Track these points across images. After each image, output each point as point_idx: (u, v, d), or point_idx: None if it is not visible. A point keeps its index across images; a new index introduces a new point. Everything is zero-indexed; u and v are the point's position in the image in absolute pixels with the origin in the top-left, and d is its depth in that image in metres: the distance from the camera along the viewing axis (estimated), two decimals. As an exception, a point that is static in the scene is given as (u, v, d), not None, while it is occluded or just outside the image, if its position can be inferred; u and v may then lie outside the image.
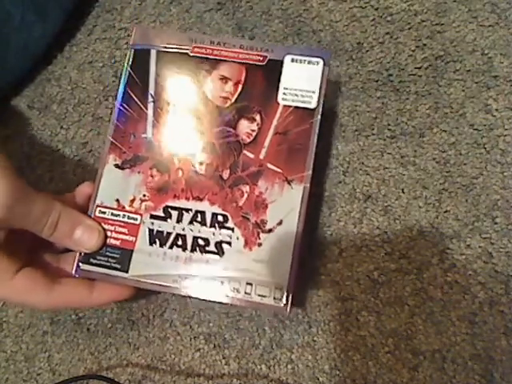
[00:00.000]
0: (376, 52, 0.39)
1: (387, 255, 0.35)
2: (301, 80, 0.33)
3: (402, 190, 0.36)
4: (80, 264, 0.32)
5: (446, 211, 0.35)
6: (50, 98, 0.46)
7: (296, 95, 0.32)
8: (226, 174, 0.32)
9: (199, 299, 0.31)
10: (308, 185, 0.31)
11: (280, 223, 0.31)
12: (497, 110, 0.36)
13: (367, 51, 0.39)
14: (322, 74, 0.33)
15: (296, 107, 0.32)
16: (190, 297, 0.31)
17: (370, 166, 0.37)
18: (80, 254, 0.32)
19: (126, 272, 0.31)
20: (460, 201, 0.35)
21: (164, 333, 0.38)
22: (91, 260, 0.32)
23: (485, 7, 0.38)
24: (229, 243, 0.31)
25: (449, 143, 0.36)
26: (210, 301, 0.31)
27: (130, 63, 0.35)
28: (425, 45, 0.38)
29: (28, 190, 0.30)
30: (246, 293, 0.30)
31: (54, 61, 0.47)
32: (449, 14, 0.39)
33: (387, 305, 0.35)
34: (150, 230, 0.32)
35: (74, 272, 0.32)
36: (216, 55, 0.34)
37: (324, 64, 0.33)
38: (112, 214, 0.33)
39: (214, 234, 0.32)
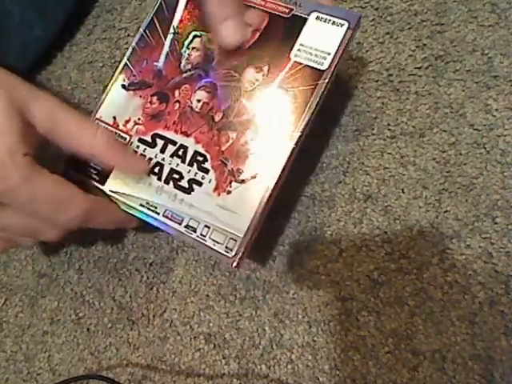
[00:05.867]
0: (376, 52, 0.39)
1: (387, 255, 0.35)
2: (320, 39, 0.31)
3: (402, 189, 0.36)
4: (66, 167, 0.34)
5: (446, 211, 0.35)
6: (49, 97, 0.45)
7: (310, 53, 0.31)
8: (218, 117, 0.32)
9: (157, 227, 0.32)
10: (294, 145, 0.30)
11: (254, 177, 0.31)
12: (497, 110, 0.36)
13: (367, 51, 0.39)
14: (343, 36, 0.31)
15: (306, 65, 0.31)
16: (146, 222, 0.32)
17: (370, 166, 0.37)
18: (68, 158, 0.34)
19: (103, 184, 0.33)
20: (460, 201, 0.35)
21: (164, 333, 0.38)
22: (77, 167, 0.34)
23: (485, 7, 0.38)
24: (200, 183, 0.32)
25: (449, 143, 0.36)
26: (164, 230, 0.32)
27: None
28: (425, 45, 0.38)
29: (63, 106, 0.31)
30: (201, 234, 0.31)
31: (54, 61, 0.47)
32: (449, 14, 0.39)
33: (387, 305, 0.35)
34: (135, 152, 0.34)
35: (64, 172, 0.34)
36: (244, 0, 0.33)
37: (348, 27, 0.31)
38: None
39: (189, 171, 0.32)
